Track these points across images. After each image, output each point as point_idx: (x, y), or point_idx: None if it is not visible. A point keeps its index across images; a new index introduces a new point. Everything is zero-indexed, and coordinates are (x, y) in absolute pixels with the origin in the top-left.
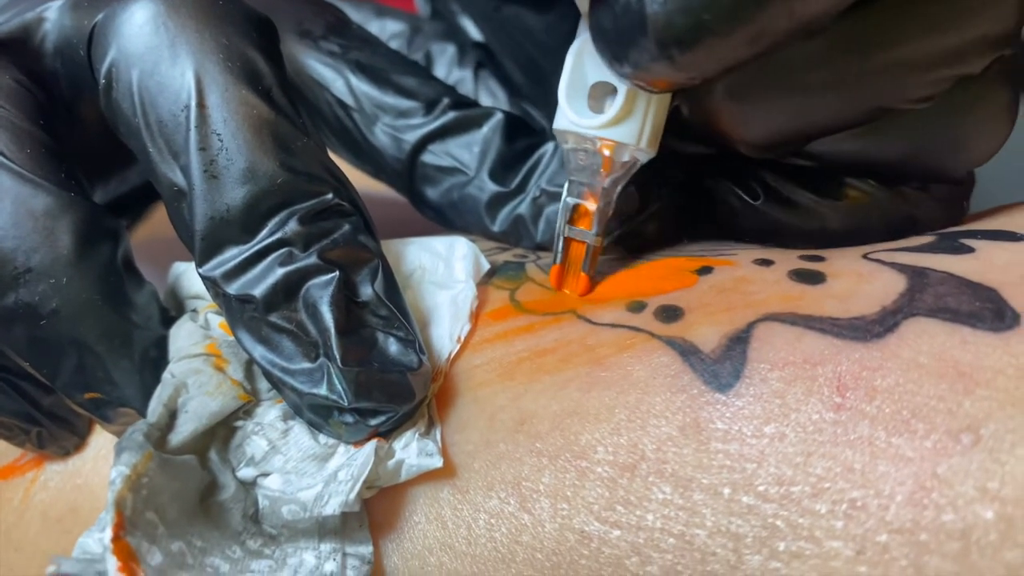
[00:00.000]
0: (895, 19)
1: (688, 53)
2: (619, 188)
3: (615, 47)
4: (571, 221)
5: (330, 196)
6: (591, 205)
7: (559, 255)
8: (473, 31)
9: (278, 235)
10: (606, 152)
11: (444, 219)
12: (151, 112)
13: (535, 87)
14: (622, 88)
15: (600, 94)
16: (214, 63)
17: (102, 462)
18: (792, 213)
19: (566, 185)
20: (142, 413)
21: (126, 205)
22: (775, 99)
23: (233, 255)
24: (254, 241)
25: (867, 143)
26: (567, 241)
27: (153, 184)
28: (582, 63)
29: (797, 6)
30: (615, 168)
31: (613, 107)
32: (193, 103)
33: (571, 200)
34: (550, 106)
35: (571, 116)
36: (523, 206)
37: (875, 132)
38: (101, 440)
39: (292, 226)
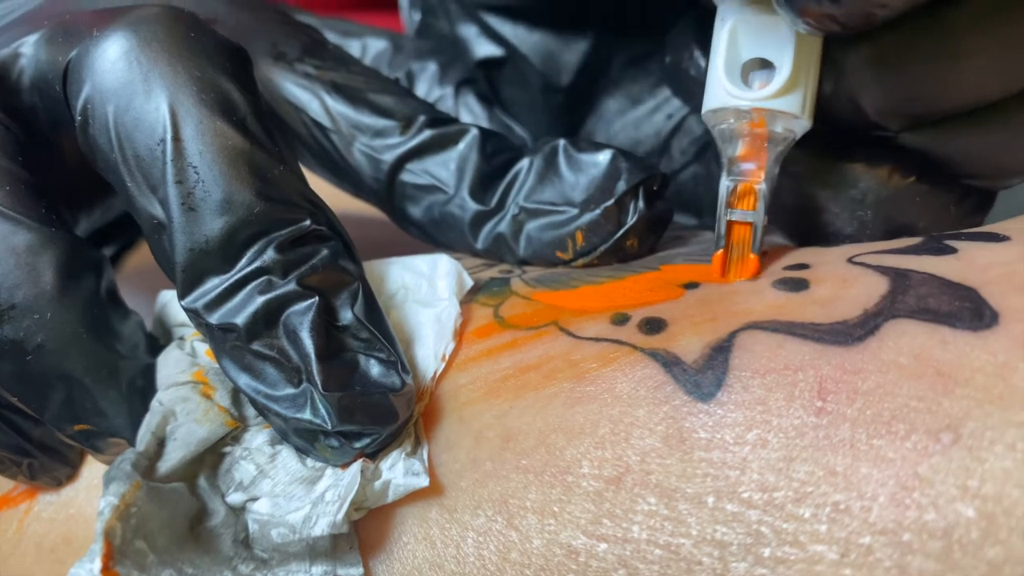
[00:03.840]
0: None
1: None
2: (779, 165)
3: None
4: (730, 204)
5: (307, 222)
6: (756, 184)
7: (721, 240)
8: (483, 46)
9: (257, 264)
10: (764, 127)
11: (428, 236)
12: (128, 147)
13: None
14: (788, 58)
15: (747, 74)
16: (188, 96)
17: (94, 492)
18: (840, 184)
19: (724, 167)
20: (132, 442)
21: (112, 233)
22: (923, 64)
23: (214, 285)
24: (233, 271)
25: (951, 131)
26: (729, 225)
27: (134, 217)
28: (735, 43)
29: None
30: (776, 142)
31: (780, 77)
32: (168, 137)
33: (730, 182)
34: (562, 122)
35: (734, 91)
36: (503, 224)
37: (967, 119)
38: (93, 470)
39: (270, 254)
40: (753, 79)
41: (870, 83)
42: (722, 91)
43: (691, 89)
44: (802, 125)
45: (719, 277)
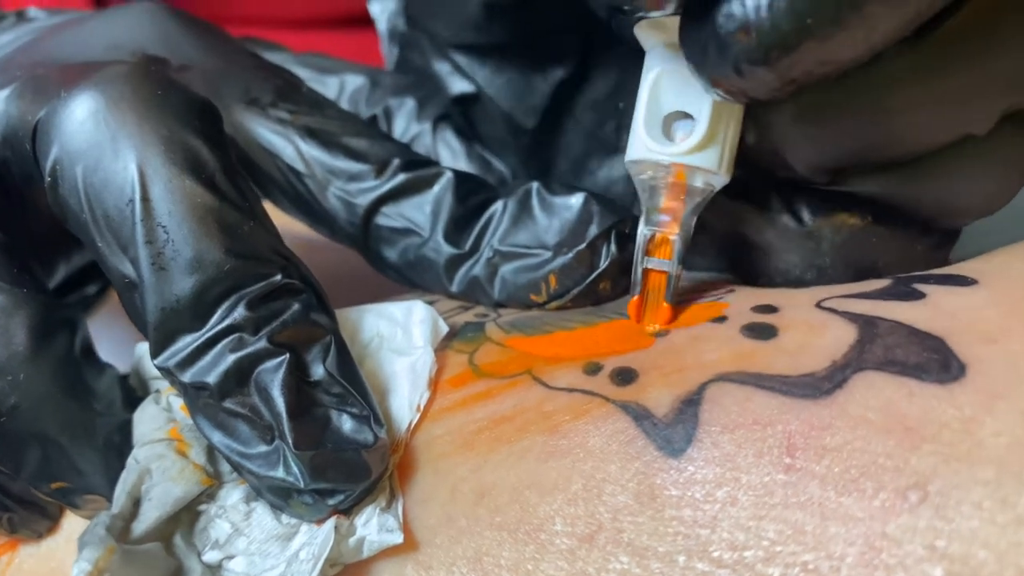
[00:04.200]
0: (979, 36)
1: (791, 55)
2: (695, 216)
3: (715, 56)
4: (648, 252)
5: (278, 277)
6: (671, 235)
7: (637, 287)
8: (456, 82)
9: (228, 321)
10: (683, 180)
11: (404, 279)
12: (97, 207)
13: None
14: (704, 114)
15: (669, 125)
16: (156, 155)
17: (75, 544)
18: (793, 235)
19: (642, 216)
20: (109, 498)
21: (94, 272)
22: (850, 121)
23: (185, 344)
24: (204, 329)
25: (897, 178)
26: (645, 272)
27: (107, 276)
28: (657, 94)
29: (893, 10)
30: (694, 195)
31: (696, 133)
32: (137, 197)
33: (647, 230)
34: (537, 158)
35: (651, 145)
36: (478, 267)
37: (910, 168)
38: (74, 523)
39: (241, 311)
40: (677, 129)
41: (793, 139)
42: (641, 144)
43: None
44: (720, 180)
45: (634, 323)
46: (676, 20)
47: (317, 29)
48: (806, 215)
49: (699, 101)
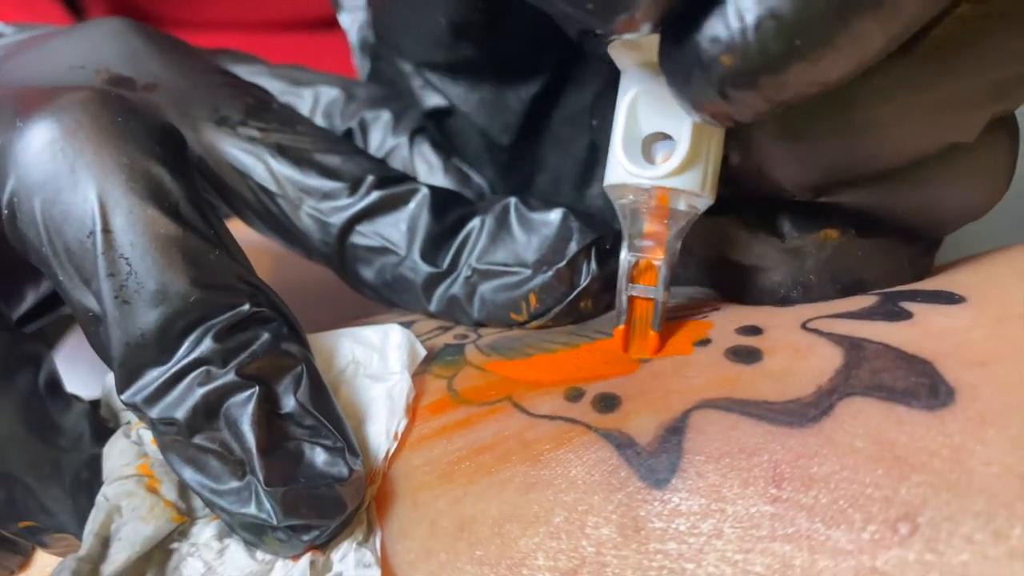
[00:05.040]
0: (964, 44)
1: (779, 77)
2: (680, 240)
3: (699, 81)
4: (632, 279)
5: (246, 307)
6: (656, 260)
7: (623, 315)
8: (429, 96)
9: (195, 354)
10: (665, 203)
11: (382, 298)
12: (57, 240)
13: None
14: (685, 135)
15: (648, 147)
16: (116, 184)
17: None
18: (777, 254)
19: (624, 243)
20: (79, 537)
21: None
22: (833, 137)
23: (152, 379)
24: (171, 363)
25: (883, 190)
26: (631, 300)
27: (70, 309)
28: (635, 115)
29: (883, 25)
30: (678, 218)
31: (677, 155)
32: (98, 228)
33: (632, 257)
34: (512, 170)
35: (631, 168)
36: (456, 286)
37: (897, 178)
38: (47, 558)
39: (208, 343)
40: (657, 151)
41: (776, 155)
42: (620, 168)
43: None
44: (704, 202)
45: (621, 352)
46: (652, 39)
47: (293, 32)
48: (789, 232)
49: (679, 122)
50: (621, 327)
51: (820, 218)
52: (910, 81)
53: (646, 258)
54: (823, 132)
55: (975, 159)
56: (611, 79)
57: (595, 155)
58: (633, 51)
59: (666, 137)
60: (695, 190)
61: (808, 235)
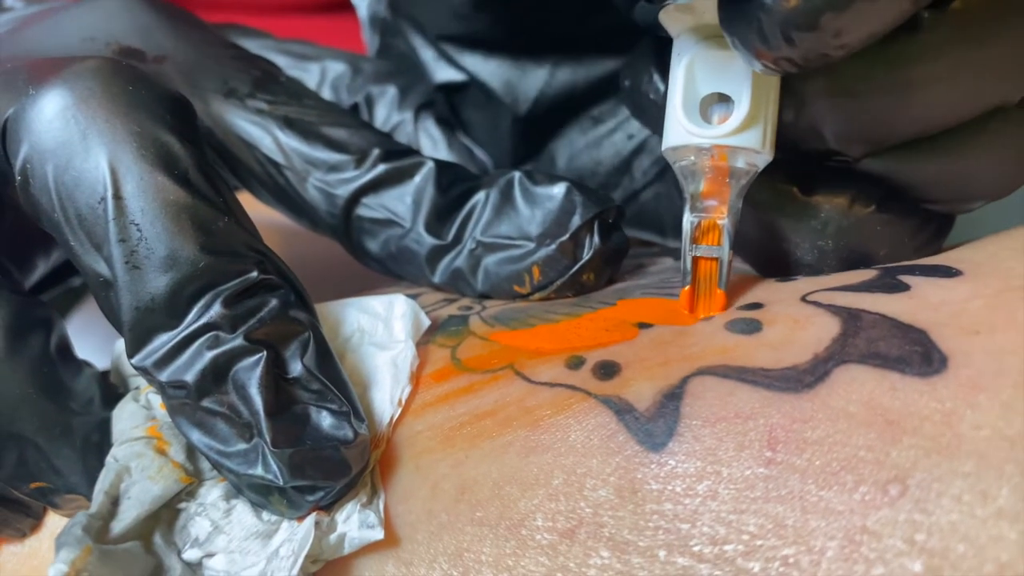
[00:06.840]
0: (1012, 4)
1: (841, 17)
2: (741, 199)
3: (763, 26)
4: (695, 240)
5: (255, 273)
6: (719, 219)
7: (688, 276)
8: (442, 70)
9: (204, 319)
10: (725, 162)
11: (387, 270)
12: (69, 206)
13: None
14: (745, 94)
15: (705, 109)
16: (127, 152)
17: None
18: (801, 214)
19: (687, 203)
20: (89, 498)
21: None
22: (883, 95)
23: (162, 343)
24: (181, 327)
25: (921, 154)
26: (695, 261)
27: (81, 275)
28: (693, 77)
29: None
30: (739, 177)
31: (739, 113)
32: (109, 195)
33: (694, 218)
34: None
35: (693, 129)
36: (460, 259)
37: (936, 142)
38: (57, 520)
39: (217, 309)
40: (713, 113)
41: (830, 112)
42: (681, 129)
43: (651, 112)
44: (764, 158)
45: (687, 313)
46: (704, 2)
47: (299, 14)
48: (817, 197)
49: (738, 81)
50: (687, 288)
51: (851, 186)
52: (960, 38)
53: (709, 218)
54: (874, 89)
55: (1010, 131)
56: (643, 42)
57: (614, 117)
58: (686, 15)
59: (721, 99)
60: (756, 147)
61: (836, 200)
